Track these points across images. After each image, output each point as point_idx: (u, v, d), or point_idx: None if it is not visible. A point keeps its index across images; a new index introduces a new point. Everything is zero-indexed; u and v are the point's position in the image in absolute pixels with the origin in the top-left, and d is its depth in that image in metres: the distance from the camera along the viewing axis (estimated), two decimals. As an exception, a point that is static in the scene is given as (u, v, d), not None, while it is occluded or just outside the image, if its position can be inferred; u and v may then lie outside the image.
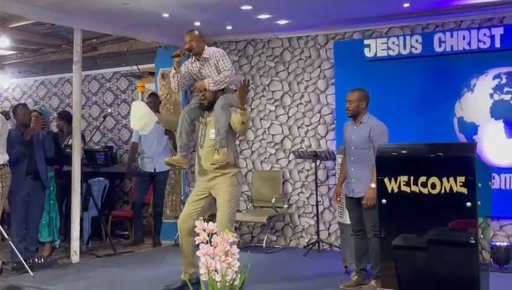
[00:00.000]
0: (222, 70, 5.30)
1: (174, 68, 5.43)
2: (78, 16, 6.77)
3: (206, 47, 5.39)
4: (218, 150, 5.21)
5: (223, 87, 5.33)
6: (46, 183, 6.65)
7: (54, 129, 8.01)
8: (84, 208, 7.49)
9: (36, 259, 6.45)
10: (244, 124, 5.16)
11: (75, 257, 6.81)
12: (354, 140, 5.44)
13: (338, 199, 5.71)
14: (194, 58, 5.41)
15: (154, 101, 7.71)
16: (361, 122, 5.41)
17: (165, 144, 7.79)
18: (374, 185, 5.05)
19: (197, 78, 5.48)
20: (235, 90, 5.37)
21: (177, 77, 5.45)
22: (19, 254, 6.08)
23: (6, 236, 6.15)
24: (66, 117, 7.74)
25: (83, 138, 7.73)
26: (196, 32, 5.40)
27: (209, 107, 5.36)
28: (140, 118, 5.57)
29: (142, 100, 5.72)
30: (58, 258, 6.97)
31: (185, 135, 5.44)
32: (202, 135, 5.41)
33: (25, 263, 6.03)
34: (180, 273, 5.45)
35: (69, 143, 7.26)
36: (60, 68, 9.85)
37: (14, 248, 6.11)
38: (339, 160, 6.18)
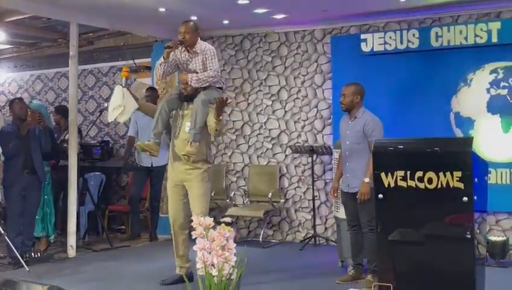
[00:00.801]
0: (208, 69, 5.33)
1: (164, 58, 5.44)
2: (75, 10, 6.74)
3: (199, 40, 5.40)
4: (191, 143, 5.26)
5: (204, 85, 5.37)
6: (43, 177, 6.64)
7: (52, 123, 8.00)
8: (81, 202, 7.47)
9: (33, 253, 6.45)
10: (217, 131, 5.34)
11: (71, 252, 6.81)
12: (349, 135, 5.44)
13: (335, 195, 5.72)
14: (184, 48, 5.42)
15: (152, 95, 7.71)
16: (356, 117, 5.41)
17: (163, 138, 7.75)
18: (367, 180, 5.07)
19: (181, 68, 5.52)
20: (218, 88, 5.42)
21: (164, 65, 5.48)
22: (14, 249, 6.07)
23: (2, 231, 6.14)
24: (63, 111, 7.72)
25: (79, 132, 7.72)
26: (192, 24, 5.40)
27: (189, 99, 5.41)
28: (116, 107, 5.52)
29: (126, 86, 5.57)
30: (55, 252, 6.97)
31: (161, 124, 5.51)
32: (178, 126, 5.47)
33: (20, 258, 6.02)
34: (175, 268, 5.47)
35: (66, 138, 7.24)
36: (56, 62, 9.82)
37: (9, 242, 6.10)
38: (335, 155, 6.18)
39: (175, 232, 5.48)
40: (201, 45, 5.38)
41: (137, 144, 5.73)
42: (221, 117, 5.25)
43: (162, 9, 6.70)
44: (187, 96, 5.41)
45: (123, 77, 5.66)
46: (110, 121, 6.29)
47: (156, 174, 7.84)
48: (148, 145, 5.52)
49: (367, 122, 5.33)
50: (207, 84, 5.36)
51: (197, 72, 5.35)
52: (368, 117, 5.38)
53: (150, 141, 5.52)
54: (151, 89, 7.85)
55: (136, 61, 8.90)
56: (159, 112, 5.50)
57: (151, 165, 7.73)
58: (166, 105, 5.50)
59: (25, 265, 5.98)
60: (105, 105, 9.19)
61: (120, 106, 5.49)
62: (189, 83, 5.34)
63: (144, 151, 5.71)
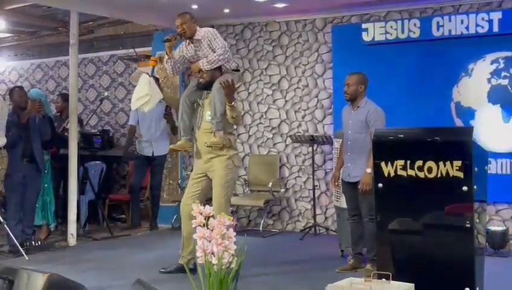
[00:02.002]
0: (216, 49, 5.29)
1: (167, 54, 5.42)
2: (75, -2, 6.72)
3: (198, 28, 5.38)
4: (214, 133, 5.22)
5: (217, 65, 5.31)
6: (42, 166, 6.64)
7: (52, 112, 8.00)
8: (81, 191, 7.49)
9: (33, 242, 6.47)
10: (234, 118, 5.26)
11: (72, 240, 6.83)
12: (351, 124, 5.43)
13: (336, 183, 5.72)
14: (187, 41, 5.40)
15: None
16: (358, 107, 5.40)
17: (163, 127, 7.77)
18: (369, 170, 5.06)
19: (193, 61, 5.46)
20: (234, 70, 5.38)
21: (171, 62, 5.46)
22: (13, 238, 6.08)
23: (2, 220, 6.15)
24: (68, 99, 7.70)
25: (79, 121, 7.70)
26: (187, 15, 5.38)
27: (207, 87, 5.36)
28: (143, 96, 5.47)
29: (152, 75, 5.56)
30: (55, 241, 6.99)
31: (187, 117, 5.46)
32: (199, 117, 5.42)
33: (20, 247, 6.03)
34: (177, 257, 5.47)
35: (68, 126, 7.23)
36: (56, 51, 9.79)
37: (9, 231, 6.11)
38: (336, 144, 6.18)
39: (183, 221, 5.43)
40: (201, 31, 5.37)
41: (169, 147, 5.71)
42: (233, 103, 5.19)
43: (162, -2, 6.67)
44: (205, 85, 5.36)
45: (151, 66, 5.65)
46: (133, 109, 6.25)
47: (157, 163, 7.85)
48: (179, 145, 5.53)
49: (370, 112, 5.32)
50: (219, 63, 5.30)
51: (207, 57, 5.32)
52: (371, 107, 5.37)
53: (180, 141, 5.50)
54: (154, 79, 7.81)
55: (137, 50, 8.87)
56: (182, 107, 5.47)
57: (152, 155, 7.74)
58: (187, 99, 5.48)
59: (24, 254, 5.99)
60: (106, 94, 9.23)
61: (147, 94, 5.44)
62: (201, 68, 5.30)
63: (176, 152, 5.66)
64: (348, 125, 5.47)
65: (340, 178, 5.61)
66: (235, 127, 5.78)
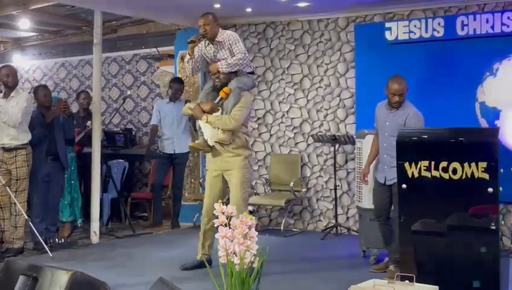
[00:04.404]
0: (236, 53, 5.36)
1: (189, 54, 5.49)
2: (98, -3, 6.77)
3: (220, 30, 5.42)
4: (222, 130, 5.27)
5: (235, 69, 5.40)
6: (66, 164, 6.71)
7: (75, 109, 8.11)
8: (104, 189, 7.55)
9: (56, 239, 6.54)
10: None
11: (94, 238, 6.89)
12: (388, 126, 5.22)
13: (366, 179, 5.60)
14: (207, 42, 5.44)
15: (179, 88, 7.77)
16: (397, 109, 5.23)
17: (185, 125, 7.80)
18: None
19: (211, 62, 5.54)
20: (249, 73, 5.42)
21: (192, 62, 5.52)
22: (38, 235, 6.15)
23: (26, 217, 6.23)
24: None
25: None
26: (210, 16, 5.44)
27: (222, 87, 5.41)
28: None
29: (175, 76, 5.56)
30: (78, 238, 7.05)
31: None
32: None
33: (44, 244, 6.10)
34: (197, 255, 5.52)
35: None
36: (80, 50, 9.89)
37: (33, 228, 6.18)
38: (358, 144, 6.13)
39: (205, 222, 5.47)
40: (223, 34, 5.43)
41: (189, 144, 5.79)
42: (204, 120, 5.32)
43: (185, -3, 6.69)
44: (221, 86, 5.42)
45: (221, 96, 5.42)
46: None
47: (179, 162, 7.87)
48: (198, 143, 5.59)
49: (409, 117, 5.12)
50: (237, 67, 5.39)
51: (226, 60, 5.39)
52: (411, 111, 5.17)
53: (199, 140, 5.56)
54: (179, 82, 7.86)
55: (159, 49, 8.92)
56: None
57: (174, 152, 7.77)
58: (204, 99, 5.55)
59: (48, 251, 6.06)
60: (128, 92, 9.29)
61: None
62: (220, 70, 5.37)
63: (196, 150, 5.74)
64: (384, 127, 5.27)
65: (374, 177, 5.46)
66: (249, 128, 5.81)
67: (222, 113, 5.39)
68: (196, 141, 5.68)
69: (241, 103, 5.35)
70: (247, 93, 5.55)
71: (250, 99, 5.60)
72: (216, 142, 5.35)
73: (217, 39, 5.40)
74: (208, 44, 5.47)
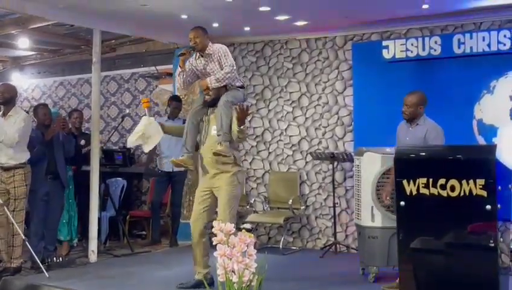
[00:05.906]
0: (224, 66, 5.37)
1: (180, 66, 5.51)
2: (97, 17, 6.81)
3: (210, 43, 5.46)
4: (221, 143, 5.28)
5: (224, 84, 5.39)
6: (66, 183, 6.70)
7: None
8: (102, 207, 7.53)
9: (55, 258, 6.50)
10: (240, 138, 5.36)
11: (93, 257, 6.86)
12: (408, 142, 5.28)
13: (387, 198, 5.53)
14: (198, 54, 5.47)
15: (178, 107, 7.79)
16: (417, 124, 5.29)
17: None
18: None
19: (201, 76, 5.55)
20: (238, 88, 5.44)
21: (183, 75, 5.55)
22: (34, 254, 6.08)
23: (23, 236, 6.19)
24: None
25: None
26: (200, 29, 5.49)
27: (213, 104, 5.43)
28: (140, 136, 5.69)
29: (150, 116, 5.85)
30: (77, 257, 7.02)
31: (190, 137, 5.54)
32: (204, 133, 5.50)
33: (40, 264, 6.02)
34: (194, 273, 5.48)
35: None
36: (79, 69, 9.93)
37: (29, 247, 6.12)
38: (356, 162, 6.14)
39: (194, 239, 5.47)
40: (213, 46, 5.45)
41: (171, 160, 5.82)
42: (242, 127, 5.26)
43: (184, 16, 6.74)
44: (211, 102, 5.44)
45: (144, 108, 5.88)
46: (128, 146, 6.42)
47: (177, 180, 7.87)
48: (182, 160, 5.57)
49: (429, 130, 5.19)
50: (226, 81, 5.39)
51: (215, 74, 5.40)
52: (430, 125, 5.25)
53: (183, 156, 5.56)
54: (177, 100, 7.89)
55: (158, 67, 8.96)
56: (187, 126, 5.56)
57: (172, 170, 7.76)
58: (193, 118, 5.56)
59: (44, 271, 5.97)
60: (127, 111, 9.31)
61: (144, 134, 5.68)
62: (209, 86, 5.38)
63: (178, 166, 5.80)
64: (404, 143, 5.30)
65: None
66: (255, 144, 5.81)
67: (210, 127, 5.42)
68: (180, 158, 5.64)
69: (235, 118, 5.33)
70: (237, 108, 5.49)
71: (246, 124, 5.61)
72: (216, 154, 5.34)
73: (206, 51, 5.43)
74: (199, 57, 5.50)
